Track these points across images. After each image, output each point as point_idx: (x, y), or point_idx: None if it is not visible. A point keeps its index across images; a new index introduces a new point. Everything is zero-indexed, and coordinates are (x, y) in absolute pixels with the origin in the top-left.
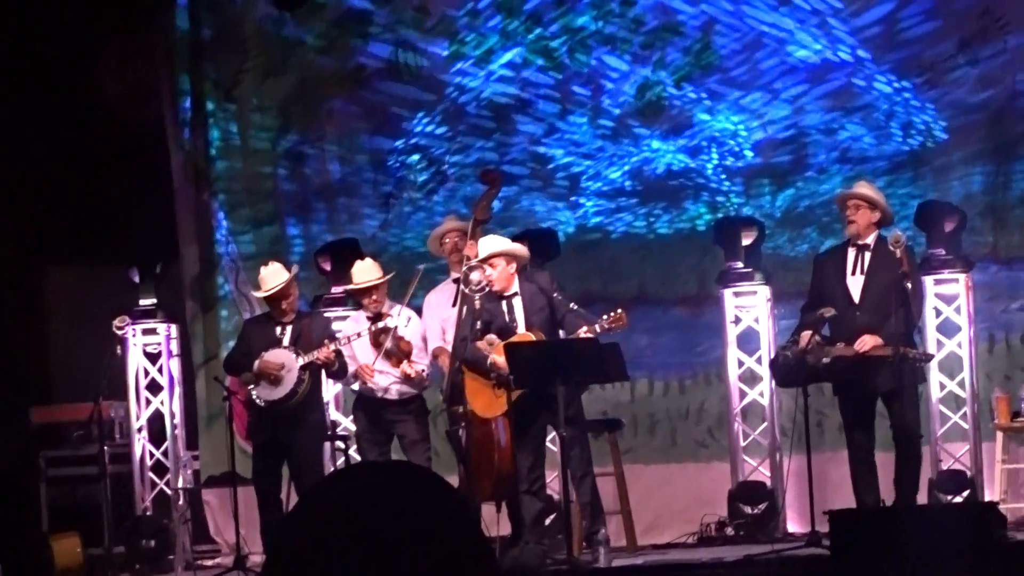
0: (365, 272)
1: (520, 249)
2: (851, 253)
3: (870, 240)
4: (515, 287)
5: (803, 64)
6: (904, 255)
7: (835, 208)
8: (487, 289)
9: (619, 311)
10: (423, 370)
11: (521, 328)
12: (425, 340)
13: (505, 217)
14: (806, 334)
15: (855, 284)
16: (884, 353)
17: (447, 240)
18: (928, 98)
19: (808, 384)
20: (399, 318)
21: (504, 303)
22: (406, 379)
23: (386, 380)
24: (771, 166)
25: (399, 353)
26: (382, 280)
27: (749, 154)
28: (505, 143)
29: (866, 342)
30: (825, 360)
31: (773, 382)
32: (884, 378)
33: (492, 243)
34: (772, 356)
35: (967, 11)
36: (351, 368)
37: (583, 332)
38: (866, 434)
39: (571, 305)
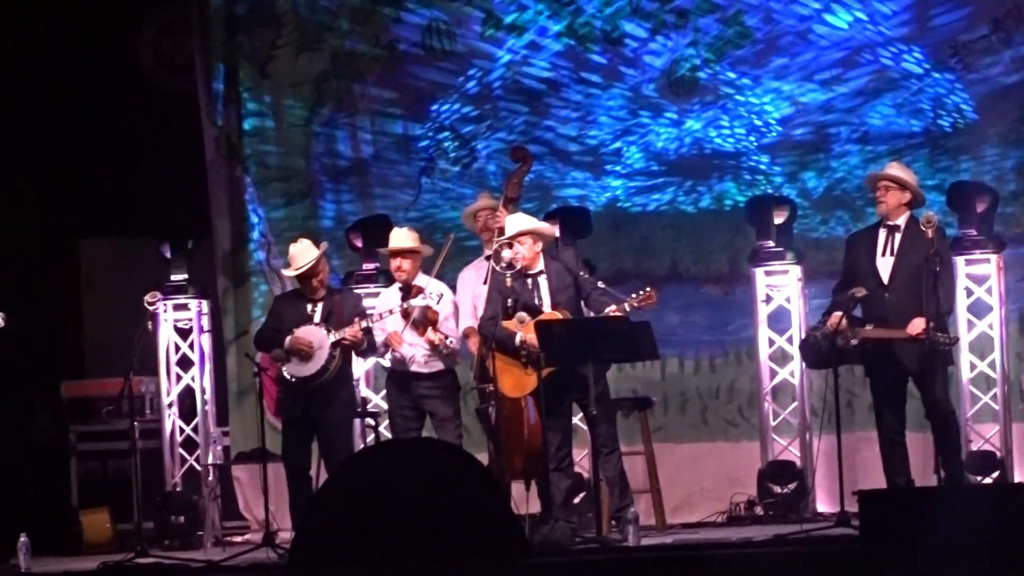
0: (399, 238)
1: (546, 227)
2: (882, 234)
3: (900, 221)
4: (540, 265)
5: (834, 44)
6: (935, 236)
7: (867, 190)
8: (517, 267)
9: (649, 290)
10: (447, 338)
11: (547, 307)
12: (457, 315)
13: (536, 195)
14: (836, 315)
15: (885, 265)
16: (907, 335)
17: (479, 218)
18: (959, 78)
19: (837, 366)
20: (431, 294)
21: (530, 281)
22: (432, 348)
23: (414, 351)
24: (802, 145)
25: (425, 321)
26: (413, 248)
27: (776, 131)
28: (536, 120)
29: (917, 325)
30: (854, 342)
31: (803, 363)
32: (913, 359)
33: (518, 221)
34: (802, 337)
35: None
36: (381, 339)
37: (611, 311)
38: (896, 415)
39: (597, 284)
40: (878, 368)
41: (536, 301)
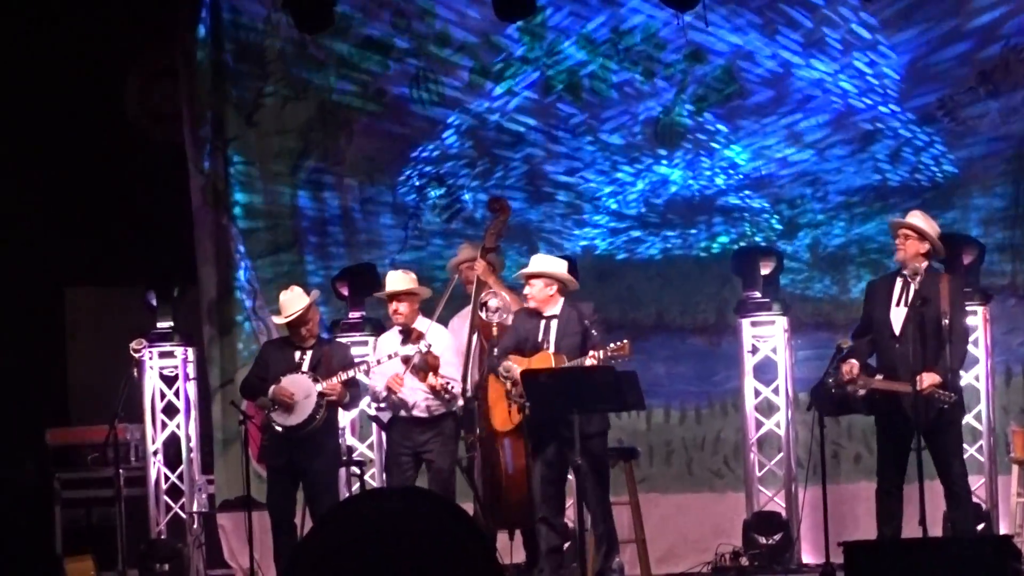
0: (395, 281)
1: (558, 272)
2: (898, 284)
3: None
4: (555, 309)
5: (819, 99)
6: (946, 289)
7: (851, 250)
8: (505, 316)
9: (624, 341)
10: (448, 383)
11: (551, 350)
12: (457, 356)
13: (518, 242)
14: (850, 363)
15: (897, 316)
16: (905, 390)
17: (462, 269)
18: (944, 131)
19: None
20: (433, 336)
21: (543, 323)
22: (433, 392)
23: (415, 396)
24: (787, 200)
25: (426, 367)
26: (409, 290)
27: (761, 183)
28: (522, 168)
29: (924, 380)
30: (861, 392)
31: (790, 412)
32: (920, 414)
33: (537, 263)
34: (798, 386)
35: (988, 44)
36: (381, 384)
37: (588, 359)
38: (898, 467)
39: (603, 344)
40: (885, 419)
41: (542, 342)
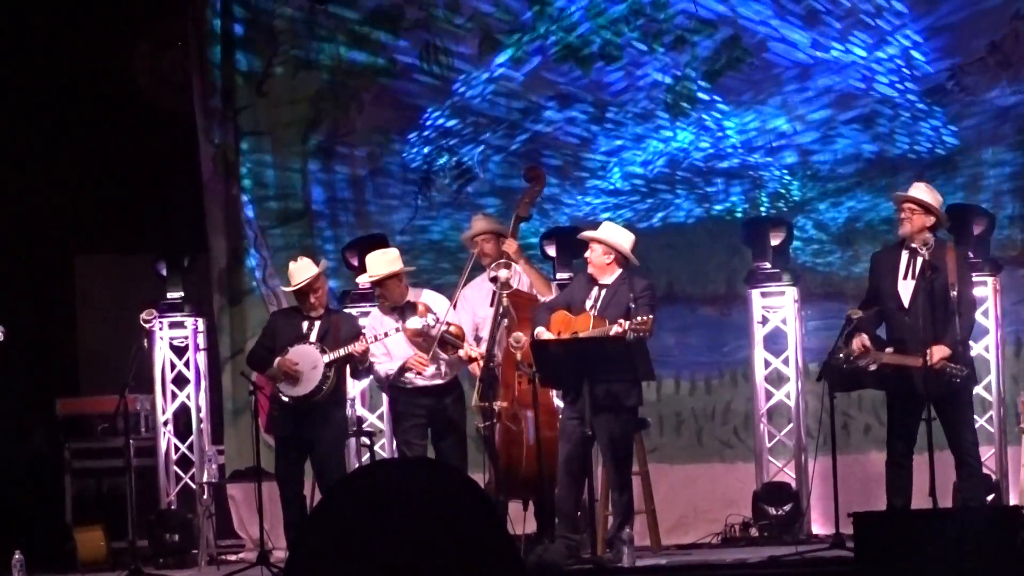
0: (376, 266)
1: (615, 242)
2: (904, 256)
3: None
4: (609, 279)
5: (829, 72)
6: (956, 263)
7: (857, 225)
8: (514, 287)
9: (649, 317)
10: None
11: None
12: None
13: (537, 212)
14: (861, 337)
15: (906, 288)
16: (915, 364)
17: (477, 242)
18: (952, 102)
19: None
20: (435, 304)
21: (595, 289)
22: (469, 361)
23: (429, 368)
24: (795, 171)
25: (454, 341)
26: (387, 275)
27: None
28: (535, 138)
29: (934, 353)
30: (872, 367)
31: (799, 383)
32: (931, 385)
33: (601, 230)
34: (807, 357)
35: (998, 13)
36: (395, 365)
37: (614, 328)
38: (907, 439)
39: (643, 317)
40: (896, 392)
41: (586, 306)
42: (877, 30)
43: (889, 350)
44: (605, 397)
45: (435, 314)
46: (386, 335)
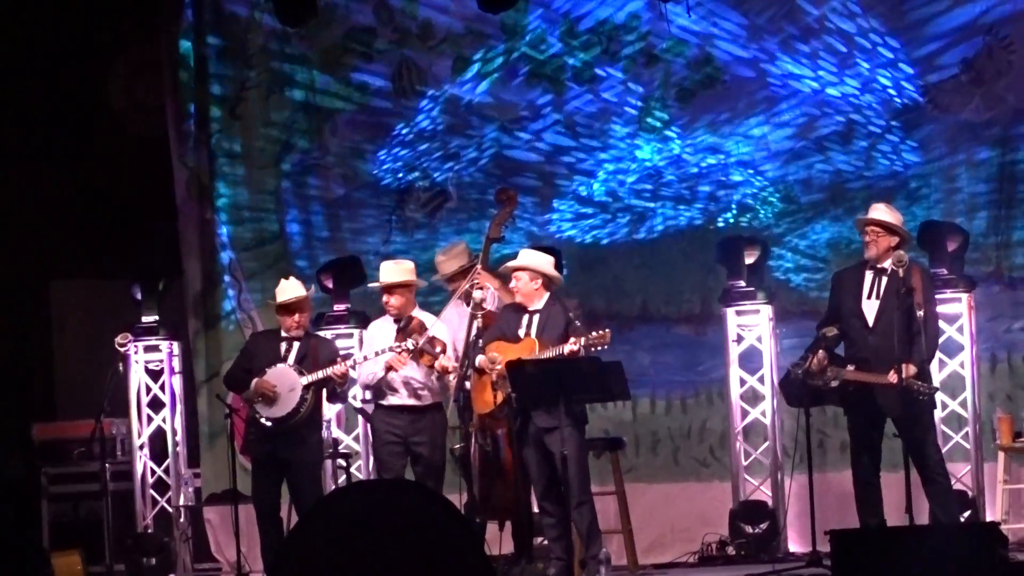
0: (389, 273)
1: (542, 267)
2: (868, 276)
3: (888, 264)
4: (540, 304)
5: (799, 93)
6: (921, 282)
7: (832, 242)
8: (489, 308)
9: (606, 330)
10: (450, 367)
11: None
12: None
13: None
14: (820, 353)
15: (870, 308)
16: (886, 381)
17: (453, 281)
18: (925, 119)
19: (813, 406)
20: (435, 329)
21: (525, 317)
22: (441, 373)
23: (407, 383)
24: (769, 190)
25: (432, 350)
26: (402, 282)
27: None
28: (508, 160)
29: (908, 370)
30: (834, 383)
31: (775, 401)
32: (893, 404)
33: (523, 257)
34: (782, 375)
35: (972, 31)
36: (379, 367)
37: (569, 345)
38: (872, 456)
39: (585, 335)
40: (856, 410)
41: (523, 335)
42: (849, 50)
43: (850, 367)
44: (554, 416)
45: (430, 334)
46: (376, 354)
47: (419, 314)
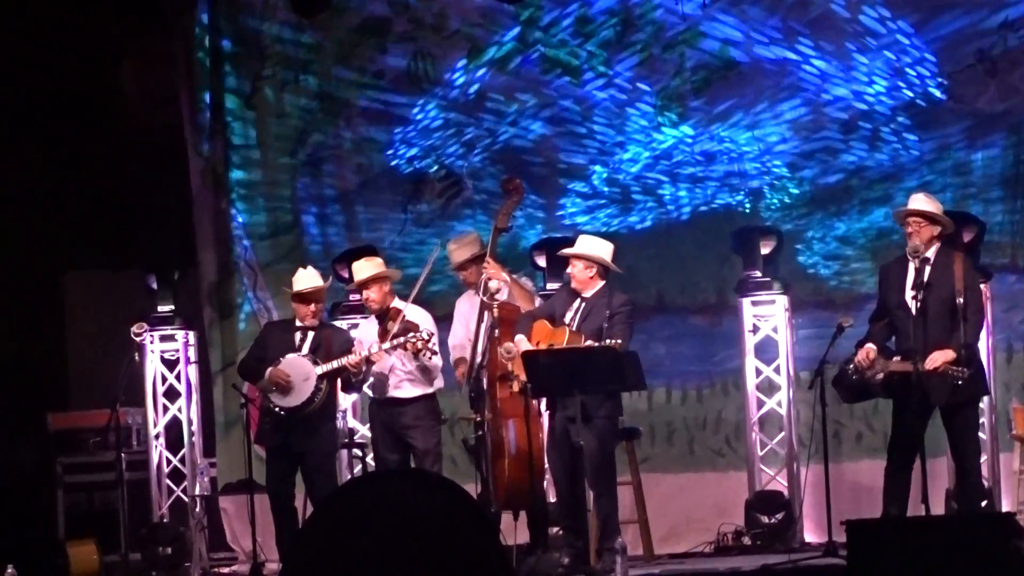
0: (361, 270)
1: (595, 255)
2: (911, 266)
3: (931, 254)
4: (591, 292)
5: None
6: (962, 268)
7: (848, 234)
8: (501, 298)
9: (618, 341)
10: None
11: (573, 328)
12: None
13: (524, 222)
14: (866, 348)
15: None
16: (910, 370)
17: (464, 276)
18: (942, 109)
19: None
20: (413, 315)
21: (576, 302)
22: (415, 353)
23: (393, 376)
24: (789, 178)
25: (404, 333)
26: (375, 276)
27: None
28: (522, 149)
29: (936, 359)
30: (879, 376)
31: (791, 391)
32: (940, 393)
33: (579, 244)
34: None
35: (987, 20)
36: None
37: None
38: (910, 447)
39: (612, 333)
40: (905, 403)
41: (568, 320)
42: (866, 40)
43: (897, 359)
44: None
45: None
46: (371, 353)
47: (411, 312)
